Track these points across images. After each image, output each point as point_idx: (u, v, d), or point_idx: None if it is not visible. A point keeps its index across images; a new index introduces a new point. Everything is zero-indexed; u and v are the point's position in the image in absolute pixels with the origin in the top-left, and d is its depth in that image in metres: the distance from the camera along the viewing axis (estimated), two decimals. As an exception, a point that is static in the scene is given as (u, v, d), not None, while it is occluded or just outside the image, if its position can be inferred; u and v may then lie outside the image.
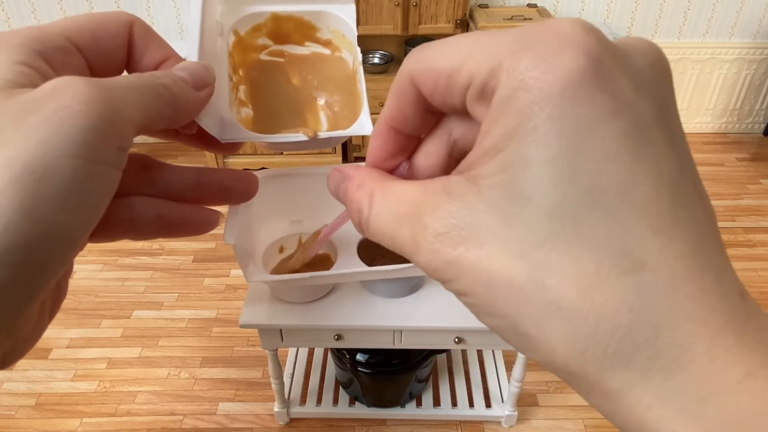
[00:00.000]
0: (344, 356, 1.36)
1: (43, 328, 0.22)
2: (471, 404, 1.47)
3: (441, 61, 0.17)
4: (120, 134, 0.19)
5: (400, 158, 0.21)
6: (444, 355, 1.58)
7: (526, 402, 1.52)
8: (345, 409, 1.46)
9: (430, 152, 0.21)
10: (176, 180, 0.25)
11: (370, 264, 1.10)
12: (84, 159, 0.18)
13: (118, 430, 1.47)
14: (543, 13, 2.34)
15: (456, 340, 1.15)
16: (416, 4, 2.21)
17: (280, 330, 1.16)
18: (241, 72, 0.36)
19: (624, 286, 0.14)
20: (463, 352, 1.61)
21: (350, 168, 0.22)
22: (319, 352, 1.60)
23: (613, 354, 0.14)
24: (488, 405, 1.47)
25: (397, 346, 1.19)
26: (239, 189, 0.28)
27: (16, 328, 0.19)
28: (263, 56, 0.37)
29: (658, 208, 0.15)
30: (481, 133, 0.16)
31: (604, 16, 2.51)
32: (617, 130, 0.15)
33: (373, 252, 1.14)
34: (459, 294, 0.17)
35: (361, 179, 0.20)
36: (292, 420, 1.48)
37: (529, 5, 2.42)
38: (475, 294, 0.16)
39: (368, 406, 1.46)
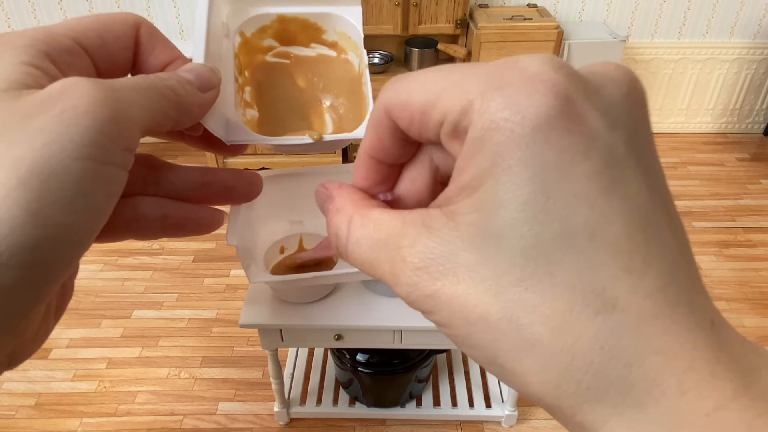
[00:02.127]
0: (344, 356, 1.36)
1: (49, 329, 0.22)
2: (471, 404, 1.47)
3: (414, 97, 0.17)
4: (126, 135, 0.19)
5: (384, 186, 0.21)
6: (444, 355, 1.58)
7: (526, 402, 1.52)
8: (345, 409, 1.46)
9: (415, 178, 0.21)
10: (181, 180, 0.26)
11: (370, 264, 1.10)
12: (90, 160, 0.18)
13: (118, 430, 1.47)
14: (543, 13, 2.34)
15: (456, 340, 1.15)
16: (416, 4, 2.21)
17: (280, 330, 1.16)
18: (246, 73, 0.35)
19: (595, 326, 0.14)
20: (463, 352, 1.61)
21: (334, 187, 0.22)
22: (319, 352, 1.60)
23: (587, 389, 0.15)
24: (488, 405, 1.47)
25: (397, 346, 1.19)
26: (243, 189, 0.28)
27: (22, 330, 0.19)
28: (269, 58, 0.37)
29: (629, 247, 0.15)
30: (457, 169, 0.17)
31: (604, 16, 2.51)
32: (588, 170, 0.15)
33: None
34: (439, 325, 0.17)
35: (341, 203, 0.20)
36: (292, 420, 1.48)
37: (529, 5, 2.42)
38: (454, 326, 0.16)
39: (368, 406, 1.46)
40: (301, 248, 1.19)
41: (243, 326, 1.11)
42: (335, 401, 1.47)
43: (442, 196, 0.18)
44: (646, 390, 0.14)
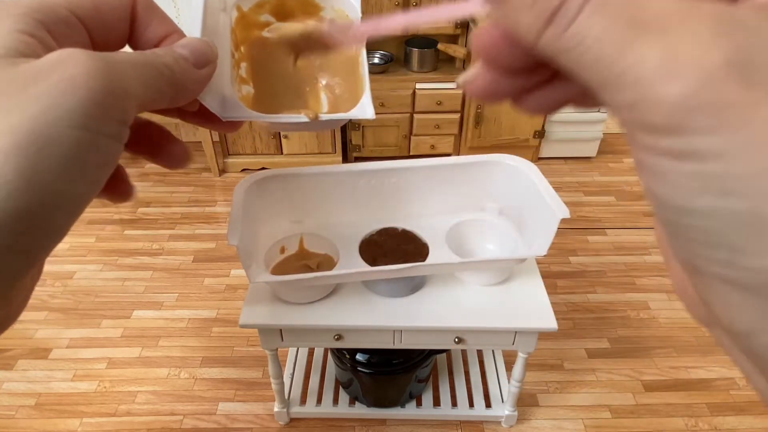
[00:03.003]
0: (344, 356, 1.36)
1: (29, 297, 0.22)
2: (471, 404, 1.47)
3: None
4: (121, 108, 0.19)
5: None
6: (444, 355, 1.58)
7: (526, 402, 1.52)
8: (345, 409, 1.46)
9: None
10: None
11: (372, 264, 1.10)
12: (85, 130, 0.18)
13: (118, 430, 1.47)
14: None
15: (456, 340, 1.15)
16: (416, 4, 2.21)
17: (280, 330, 1.16)
18: (242, 49, 0.35)
19: None
20: (463, 352, 1.61)
21: None
22: (319, 352, 1.60)
23: None
24: (488, 405, 1.47)
25: (397, 346, 1.19)
26: (165, 158, 0.28)
27: (13, 296, 0.20)
28: (266, 33, 0.36)
29: None
30: None
31: (604, 16, 2.51)
32: None
33: (374, 252, 1.15)
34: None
35: None
36: (292, 420, 1.48)
37: (529, 5, 2.42)
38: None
39: (368, 406, 1.46)
40: (301, 248, 1.19)
41: (243, 326, 1.11)
42: (335, 401, 1.47)
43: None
44: None
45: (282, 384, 1.37)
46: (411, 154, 2.49)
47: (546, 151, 2.58)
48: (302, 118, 0.31)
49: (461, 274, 1.17)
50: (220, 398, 1.54)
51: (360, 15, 0.35)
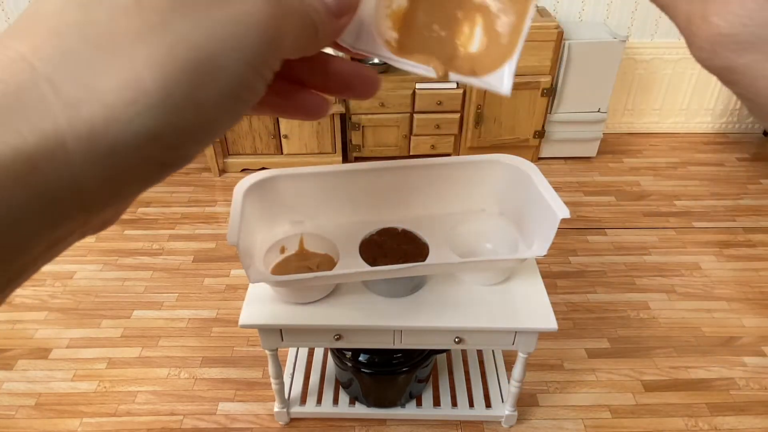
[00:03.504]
0: (344, 356, 1.36)
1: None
2: (471, 404, 1.47)
3: None
4: (279, 55, 0.20)
5: None
6: (444, 355, 1.58)
7: (526, 402, 1.52)
8: (345, 409, 1.46)
9: None
10: (305, 66, 0.25)
11: (372, 264, 1.10)
12: (252, 68, 0.18)
13: (118, 430, 1.47)
14: (543, 13, 2.34)
15: (456, 340, 1.15)
16: (416, 4, 2.20)
17: (280, 330, 1.16)
18: None
19: None
20: (463, 352, 1.61)
21: None
22: (319, 352, 1.60)
23: None
24: (488, 405, 1.47)
25: (397, 346, 1.19)
26: (359, 87, 0.26)
27: (129, 202, 0.20)
28: None
29: None
30: None
31: (604, 16, 2.51)
32: None
33: (374, 252, 1.15)
34: (740, 97, 0.15)
35: None
36: (292, 420, 1.48)
37: (529, 5, 2.42)
38: (760, 98, 0.15)
39: (368, 406, 1.46)
40: (301, 248, 1.19)
41: (243, 326, 1.11)
42: (335, 401, 1.47)
43: None
44: None
45: (282, 384, 1.37)
46: (411, 154, 2.49)
47: (546, 151, 2.57)
48: (430, 71, 0.27)
49: (461, 274, 1.17)
50: (220, 398, 1.54)
51: None
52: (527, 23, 0.27)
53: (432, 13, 0.29)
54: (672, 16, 0.16)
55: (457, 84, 2.32)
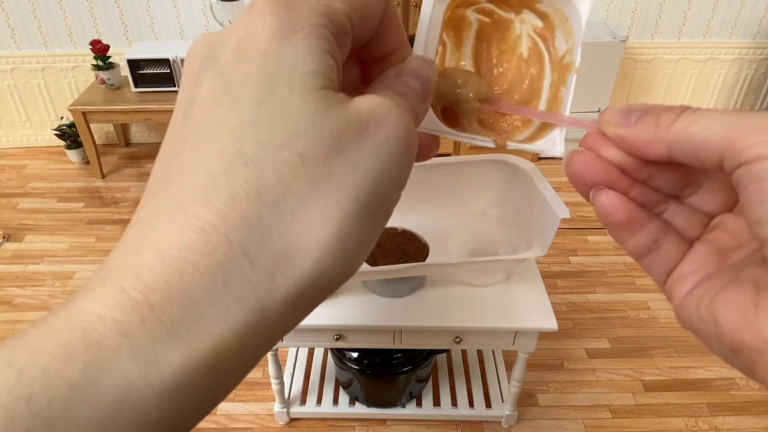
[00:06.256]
0: (344, 356, 1.36)
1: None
2: (471, 404, 1.47)
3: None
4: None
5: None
6: (444, 355, 1.58)
7: (526, 402, 1.52)
8: (345, 409, 1.46)
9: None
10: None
11: (372, 264, 1.10)
12: (399, 191, 0.19)
13: (118, 430, 1.47)
14: (543, 13, 2.34)
15: (456, 340, 1.15)
16: (416, 5, 2.21)
17: (281, 330, 1.16)
18: (449, 34, 0.31)
19: None
20: (463, 352, 1.61)
21: None
22: (319, 352, 1.60)
23: None
24: (488, 405, 1.47)
25: (397, 346, 1.19)
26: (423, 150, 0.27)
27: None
28: (469, 13, 0.31)
29: None
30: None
31: (604, 16, 2.51)
32: None
33: (374, 252, 1.15)
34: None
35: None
36: (292, 420, 1.48)
37: (529, 5, 2.42)
38: None
39: (368, 406, 1.46)
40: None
41: (243, 326, 1.11)
42: (335, 401, 1.47)
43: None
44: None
45: (282, 384, 1.37)
46: (411, 154, 2.49)
47: (546, 151, 2.57)
48: (489, 143, 0.29)
49: (461, 274, 1.17)
50: (220, 398, 1.54)
51: (582, 25, 0.29)
52: (570, 93, 0.29)
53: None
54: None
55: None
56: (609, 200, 0.22)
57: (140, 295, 0.15)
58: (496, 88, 0.31)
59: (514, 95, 0.31)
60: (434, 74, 0.22)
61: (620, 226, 0.22)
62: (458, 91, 0.27)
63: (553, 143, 0.29)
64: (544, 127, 0.30)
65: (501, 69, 0.31)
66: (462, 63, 0.31)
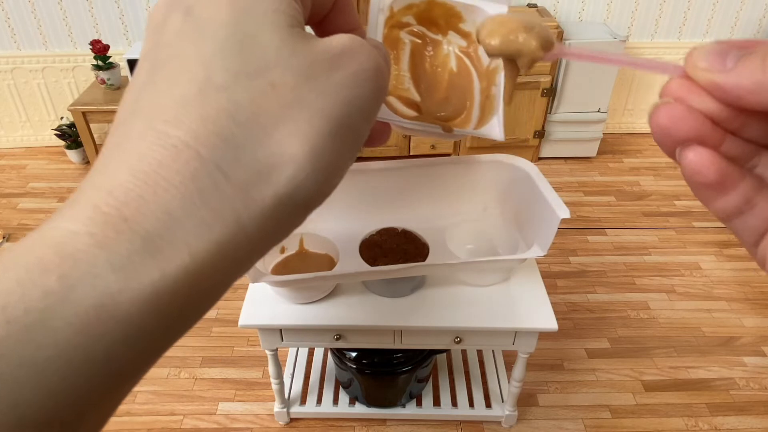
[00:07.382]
0: (344, 356, 1.36)
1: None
2: (471, 404, 1.47)
3: None
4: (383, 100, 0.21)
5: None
6: (444, 355, 1.58)
7: (526, 402, 1.52)
8: (345, 409, 1.46)
9: None
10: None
11: (372, 264, 1.10)
12: (368, 122, 0.20)
13: (118, 430, 1.47)
14: (543, 13, 2.34)
15: (456, 340, 1.15)
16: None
17: (280, 330, 1.16)
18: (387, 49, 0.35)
19: None
20: (463, 352, 1.61)
21: None
22: (319, 352, 1.60)
23: None
24: (488, 405, 1.47)
25: (397, 346, 1.19)
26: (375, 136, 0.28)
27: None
28: (403, 35, 0.36)
29: None
30: None
31: (604, 16, 2.51)
32: None
33: (374, 252, 1.15)
34: None
35: None
36: (292, 420, 1.48)
37: (529, 5, 2.42)
38: None
39: (368, 406, 1.46)
40: (301, 248, 1.19)
41: (243, 326, 1.11)
42: (335, 401, 1.47)
43: None
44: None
45: (282, 384, 1.37)
46: (411, 154, 2.49)
47: (546, 151, 2.58)
48: (437, 129, 0.32)
49: (461, 274, 1.17)
50: (220, 398, 1.54)
51: None
52: (500, 89, 0.33)
53: (432, 97, 0.36)
54: None
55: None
56: (699, 158, 0.19)
57: (113, 209, 0.15)
58: (434, 96, 0.35)
59: (451, 101, 0.35)
60: (389, 58, 0.24)
61: (710, 185, 0.19)
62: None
63: (493, 128, 0.33)
64: (484, 117, 0.34)
65: (436, 81, 0.35)
66: (402, 74, 0.35)
